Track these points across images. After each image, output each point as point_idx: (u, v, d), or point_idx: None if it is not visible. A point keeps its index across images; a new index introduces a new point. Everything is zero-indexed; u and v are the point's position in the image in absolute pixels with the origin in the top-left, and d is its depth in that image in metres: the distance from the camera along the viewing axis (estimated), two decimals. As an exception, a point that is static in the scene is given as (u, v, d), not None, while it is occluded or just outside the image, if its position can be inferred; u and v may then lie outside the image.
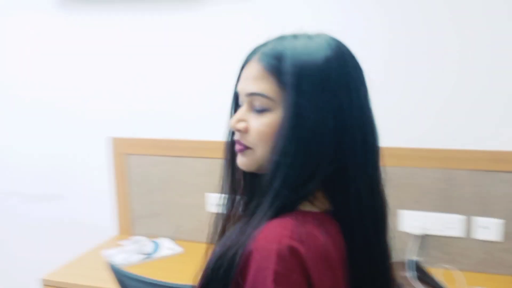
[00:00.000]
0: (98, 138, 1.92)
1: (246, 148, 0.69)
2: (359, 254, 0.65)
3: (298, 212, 0.63)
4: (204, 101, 1.77)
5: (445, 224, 1.52)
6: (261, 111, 0.66)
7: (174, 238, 1.84)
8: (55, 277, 1.54)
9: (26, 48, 1.96)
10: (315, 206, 0.66)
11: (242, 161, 0.71)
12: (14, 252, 2.13)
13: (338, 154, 0.63)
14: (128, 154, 1.88)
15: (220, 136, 1.88)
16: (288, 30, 0.72)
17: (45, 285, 1.54)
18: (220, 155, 1.96)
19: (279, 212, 0.61)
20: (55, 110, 1.97)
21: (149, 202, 1.88)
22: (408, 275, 1.44)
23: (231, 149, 0.75)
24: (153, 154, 1.85)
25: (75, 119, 1.94)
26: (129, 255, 1.64)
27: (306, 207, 0.65)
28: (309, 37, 0.68)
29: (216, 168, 1.94)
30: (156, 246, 1.72)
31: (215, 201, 1.81)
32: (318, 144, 0.62)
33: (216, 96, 1.74)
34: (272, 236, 0.57)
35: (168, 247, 1.73)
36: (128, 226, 1.93)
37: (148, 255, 1.65)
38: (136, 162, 1.88)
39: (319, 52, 0.64)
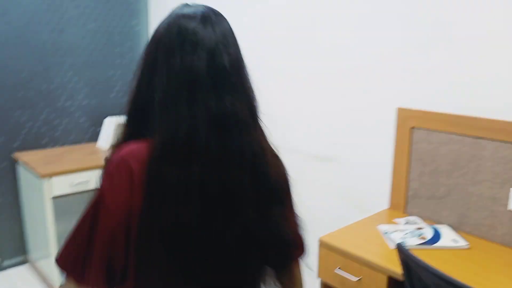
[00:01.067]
0: (386, 107, 1.82)
1: None
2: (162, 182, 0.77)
3: (143, 140, 0.82)
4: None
5: None
6: None
7: (455, 228, 1.62)
8: (330, 240, 1.56)
9: (332, 22, 2.01)
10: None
11: None
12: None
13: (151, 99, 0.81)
14: (414, 127, 1.73)
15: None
16: None
17: (320, 245, 1.58)
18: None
19: (128, 138, 0.84)
20: (345, 77, 1.97)
21: (431, 182, 1.70)
22: None
23: None
24: (445, 130, 1.64)
25: (366, 86, 1.90)
26: (406, 236, 1.51)
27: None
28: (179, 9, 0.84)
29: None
30: (437, 234, 1.54)
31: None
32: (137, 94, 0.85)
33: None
34: (118, 152, 0.80)
35: (451, 238, 1.52)
36: (401, 204, 1.80)
37: (427, 241, 1.49)
38: (423, 137, 1.70)
39: (163, 21, 0.84)
